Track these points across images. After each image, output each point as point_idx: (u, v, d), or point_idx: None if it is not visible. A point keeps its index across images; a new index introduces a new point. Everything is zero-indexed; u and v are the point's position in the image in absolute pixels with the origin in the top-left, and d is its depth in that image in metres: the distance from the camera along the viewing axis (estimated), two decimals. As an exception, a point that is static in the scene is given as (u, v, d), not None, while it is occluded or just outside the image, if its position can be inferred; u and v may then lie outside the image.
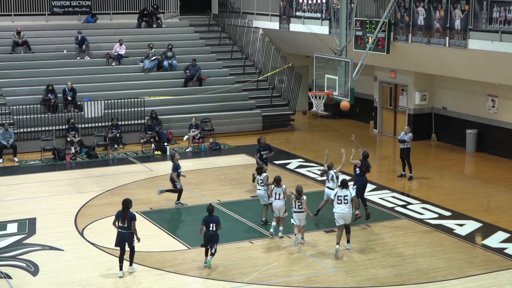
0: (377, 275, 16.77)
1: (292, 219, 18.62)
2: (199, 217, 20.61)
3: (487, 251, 18.26)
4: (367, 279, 16.54)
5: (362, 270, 17.06)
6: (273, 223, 19.37)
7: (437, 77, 30.28)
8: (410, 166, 25.02)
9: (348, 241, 18.51)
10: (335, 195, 18.21)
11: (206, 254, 17.33)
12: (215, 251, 17.25)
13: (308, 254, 18.05)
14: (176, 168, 21.78)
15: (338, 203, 18.07)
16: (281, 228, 19.28)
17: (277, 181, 19.21)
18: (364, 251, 18.31)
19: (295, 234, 18.73)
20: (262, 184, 20.23)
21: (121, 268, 16.79)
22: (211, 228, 17.12)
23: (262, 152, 23.30)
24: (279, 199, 19.06)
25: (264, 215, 20.37)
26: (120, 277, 16.69)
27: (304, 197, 18.47)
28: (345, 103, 23.37)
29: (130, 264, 16.98)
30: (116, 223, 16.77)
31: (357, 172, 20.61)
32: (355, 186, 20.33)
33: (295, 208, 18.42)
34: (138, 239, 16.87)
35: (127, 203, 16.75)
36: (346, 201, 18.01)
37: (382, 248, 18.47)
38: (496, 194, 23.65)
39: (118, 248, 16.86)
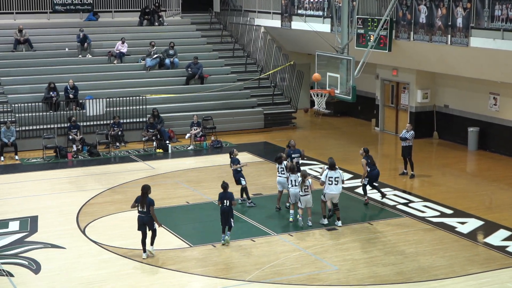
0: (378, 273, 16.75)
1: (299, 202, 19.88)
2: (200, 215, 20.73)
3: (488, 249, 18.24)
4: (368, 277, 16.52)
5: (364, 268, 17.05)
6: (291, 211, 20.33)
7: (439, 75, 30.26)
8: (412, 164, 24.98)
9: (338, 219, 20.05)
10: (326, 176, 19.80)
11: (223, 231, 18.50)
12: (231, 226, 18.49)
13: (310, 252, 18.04)
14: (236, 161, 21.99)
15: (329, 183, 19.78)
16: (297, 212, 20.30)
17: (292, 169, 20.24)
18: (366, 249, 18.30)
19: (300, 216, 19.93)
20: (283, 173, 20.96)
21: (144, 251, 17.59)
22: (225, 204, 18.29)
23: (293, 156, 22.32)
24: (295, 185, 19.94)
25: (278, 202, 21.46)
26: (143, 258, 17.49)
27: (310, 180, 19.75)
28: (316, 75, 23.72)
29: (151, 244, 17.65)
30: (137, 207, 17.53)
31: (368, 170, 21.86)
32: (366, 179, 21.91)
33: (302, 192, 19.62)
34: (159, 224, 17.73)
35: (145, 189, 17.51)
36: (337, 182, 19.78)
37: (383, 246, 18.45)
38: (498, 192, 23.63)
39: (140, 231, 17.65)
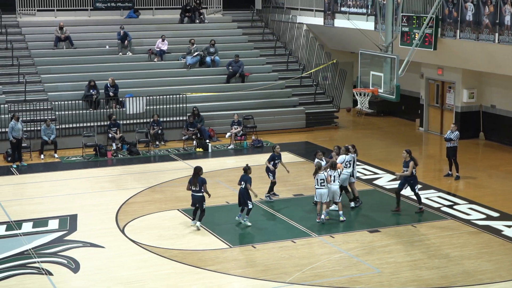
0: (422, 276, 16.46)
1: (315, 196, 20.26)
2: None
3: (537, 254, 17.83)
4: (412, 281, 16.24)
5: (407, 271, 16.77)
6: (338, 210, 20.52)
7: (486, 74, 29.75)
8: (457, 165, 24.60)
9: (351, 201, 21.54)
10: (344, 160, 20.95)
11: (241, 211, 20.10)
12: (247, 208, 19.78)
13: (352, 254, 17.74)
14: (274, 158, 22.34)
15: (345, 166, 20.80)
16: (340, 212, 20.48)
17: (332, 166, 20.37)
18: (409, 251, 18.00)
19: (318, 213, 20.11)
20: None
21: (193, 219, 19.72)
22: (242, 185, 19.78)
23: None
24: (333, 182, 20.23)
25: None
26: (191, 225, 19.62)
27: (325, 174, 19.93)
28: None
29: (199, 220, 19.57)
30: (190, 187, 19.48)
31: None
32: (418, 185, 21.33)
33: (317, 185, 19.96)
34: (209, 195, 19.67)
35: (197, 169, 19.50)
36: (350, 165, 21.05)
37: (427, 249, 18.15)
38: (546, 195, 23.14)
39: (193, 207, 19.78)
